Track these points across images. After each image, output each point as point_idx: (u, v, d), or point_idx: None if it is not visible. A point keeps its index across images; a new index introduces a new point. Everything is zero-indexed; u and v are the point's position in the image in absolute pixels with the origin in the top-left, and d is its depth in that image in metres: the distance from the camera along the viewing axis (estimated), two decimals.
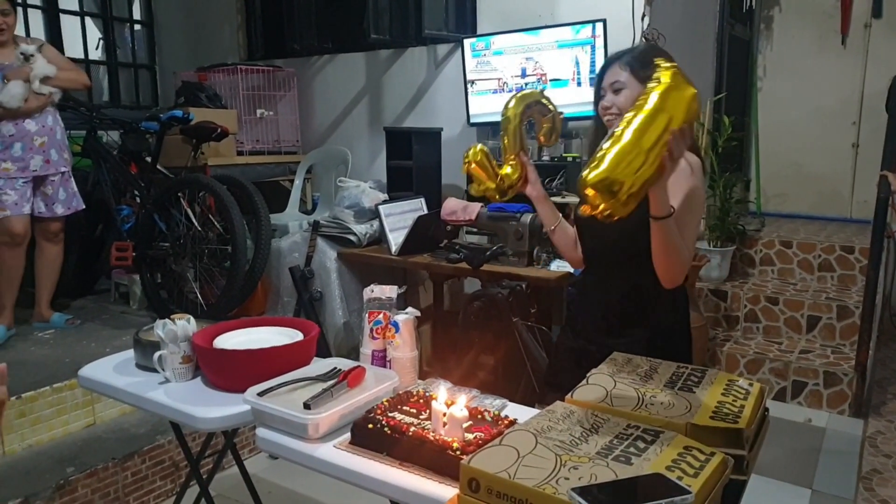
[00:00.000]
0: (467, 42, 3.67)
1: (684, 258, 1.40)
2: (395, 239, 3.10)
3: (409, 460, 1.13)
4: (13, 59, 2.92)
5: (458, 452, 1.07)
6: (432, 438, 1.12)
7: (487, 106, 3.65)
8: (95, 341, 3.02)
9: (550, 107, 1.67)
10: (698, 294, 3.76)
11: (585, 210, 1.15)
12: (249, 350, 1.47)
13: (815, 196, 4.93)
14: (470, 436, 1.13)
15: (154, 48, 5.20)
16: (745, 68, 4.91)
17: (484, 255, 2.82)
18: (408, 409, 1.26)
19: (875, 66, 4.64)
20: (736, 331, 3.78)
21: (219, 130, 3.47)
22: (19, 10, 4.01)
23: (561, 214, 1.76)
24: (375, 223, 3.27)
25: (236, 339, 1.57)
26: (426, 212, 3.23)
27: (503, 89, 3.58)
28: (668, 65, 1.18)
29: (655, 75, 1.17)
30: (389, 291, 1.57)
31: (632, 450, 0.93)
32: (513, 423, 1.18)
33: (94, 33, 4.84)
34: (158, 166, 3.52)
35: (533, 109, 1.65)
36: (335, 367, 1.41)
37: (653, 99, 1.14)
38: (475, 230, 3.01)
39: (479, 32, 3.78)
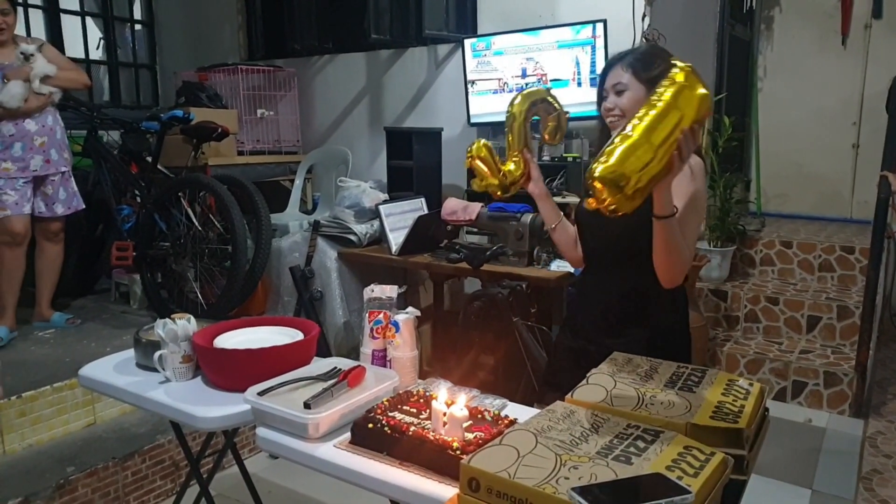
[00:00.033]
0: (468, 42, 3.67)
1: (685, 258, 1.40)
2: (396, 239, 3.10)
3: (409, 460, 1.13)
4: (13, 59, 2.92)
5: (458, 452, 1.07)
6: (432, 438, 1.12)
7: (488, 106, 3.65)
8: (96, 341, 3.02)
9: (556, 105, 1.67)
10: (698, 294, 3.76)
11: (591, 203, 1.15)
12: (249, 350, 1.47)
13: (816, 196, 4.93)
14: (470, 435, 1.13)
15: (155, 48, 5.20)
16: (746, 69, 4.91)
17: (484, 254, 2.82)
18: (408, 408, 1.26)
19: (875, 66, 4.64)
20: (736, 331, 3.78)
21: (219, 130, 3.47)
22: (20, 9, 4.00)
23: (562, 213, 1.76)
24: (376, 223, 3.28)
25: (236, 339, 1.57)
26: (426, 212, 3.23)
27: (503, 89, 3.58)
28: (682, 64, 1.18)
29: (670, 74, 1.18)
30: (390, 291, 1.57)
31: (632, 449, 0.93)
32: (513, 422, 1.18)
33: (94, 33, 4.83)
34: (159, 166, 3.52)
35: (538, 107, 1.64)
36: (335, 367, 1.41)
37: (665, 96, 1.15)
38: (475, 230, 3.01)
39: (479, 33, 3.78)
